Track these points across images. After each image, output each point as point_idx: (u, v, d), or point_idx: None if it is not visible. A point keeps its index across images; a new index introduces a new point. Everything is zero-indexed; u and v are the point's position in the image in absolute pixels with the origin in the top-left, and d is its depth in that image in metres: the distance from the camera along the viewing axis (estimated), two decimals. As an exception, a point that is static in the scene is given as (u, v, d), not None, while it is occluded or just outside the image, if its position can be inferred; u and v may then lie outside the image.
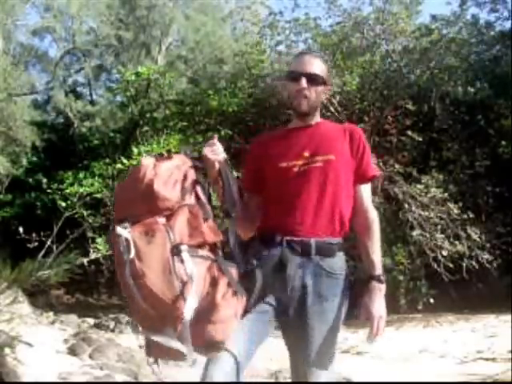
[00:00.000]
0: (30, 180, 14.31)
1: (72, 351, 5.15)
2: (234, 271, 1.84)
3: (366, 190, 2.17)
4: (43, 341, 4.53)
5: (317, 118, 2.19)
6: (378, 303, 2.07)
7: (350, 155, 2.12)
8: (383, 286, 2.09)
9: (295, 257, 2.00)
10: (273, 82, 10.23)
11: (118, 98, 15.84)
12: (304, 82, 2.07)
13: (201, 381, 1.84)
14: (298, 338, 2.02)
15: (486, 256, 9.08)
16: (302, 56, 2.19)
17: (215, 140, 1.97)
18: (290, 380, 2.19)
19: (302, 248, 2.00)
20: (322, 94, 2.15)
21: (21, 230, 7.92)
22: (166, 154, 1.93)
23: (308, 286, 2.00)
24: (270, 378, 4.64)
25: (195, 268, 1.70)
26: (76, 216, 10.08)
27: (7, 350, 3.93)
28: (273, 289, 1.97)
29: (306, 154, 2.07)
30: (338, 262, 2.10)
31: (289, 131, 2.17)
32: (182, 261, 1.67)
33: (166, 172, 1.80)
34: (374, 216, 2.16)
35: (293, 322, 2.01)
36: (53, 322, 7.45)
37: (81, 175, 11.45)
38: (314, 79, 2.09)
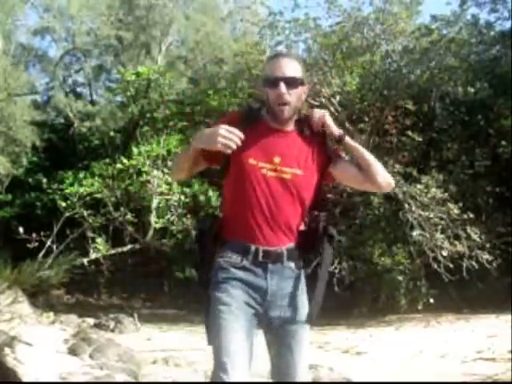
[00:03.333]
0: (30, 180, 14.32)
1: (72, 351, 5.14)
2: None
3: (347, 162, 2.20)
4: (43, 341, 4.53)
5: (292, 123, 2.15)
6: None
7: (319, 163, 2.14)
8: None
9: (270, 264, 2.06)
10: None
11: (118, 98, 15.87)
12: (283, 87, 2.03)
13: None
14: (287, 341, 2.10)
15: (486, 256, 9.08)
16: (277, 59, 2.11)
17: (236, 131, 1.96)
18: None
19: (275, 256, 2.06)
20: (303, 94, 2.13)
21: (21, 230, 7.94)
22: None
23: (281, 289, 2.07)
24: (270, 377, 4.63)
25: None
26: (76, 216, 10.09)
27: (7, 350, 3.94)
28: (252, 296, 2.04)
29: (277, 160, 2.06)
30: (299, 263, 2.13)
31: (263, 128, 2.11)
32: None
33: None
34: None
35: (276, 327, 2.09)
36: (53, 322, 7.44)
37: (81, 175, 11.46)
38: (292, 82, 2.06)
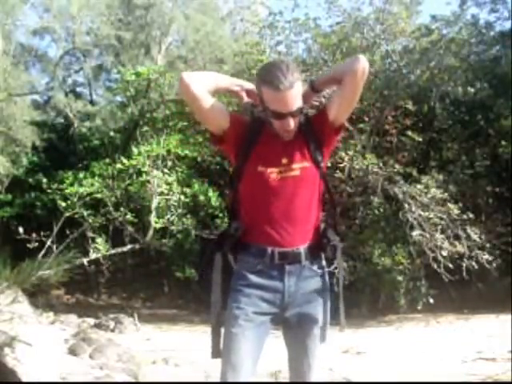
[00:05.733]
0: (30, 180, 14.29)
1: (72, 351, 5.14)
2: None
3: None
4: (43, 341, 4.52)
5: None
6: None
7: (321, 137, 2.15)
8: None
9: (287, 265, 2.08)
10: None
11: (118, 98, 15.84)
12: (291, 122, 2.04)
13: None
14: (300, 339, 2.14)
15: (486, 256, 9.09)
16: (281, 93, 1.98)
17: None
18: (289, 380, 2.25)
19: (292, 256, 2.09)
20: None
21: (21, 230, 7.93)
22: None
23: (300, 289, 2.11)
24: (270, 377, 4.65)
25: None
26: (76, 216, 10.07)
27: (7, 350, 3.93)
28: (268, 300, 2.09)
29: (284, 161, 2.09)
30: (320, 262, 2.17)
31: (267, 134, 2.12)
32: None
33: None
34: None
35: (293, 325, 2.14)
36: (53, 322, 7.45)
37: (81, 175, 11.43)
38: (297, 112, 2.05)
